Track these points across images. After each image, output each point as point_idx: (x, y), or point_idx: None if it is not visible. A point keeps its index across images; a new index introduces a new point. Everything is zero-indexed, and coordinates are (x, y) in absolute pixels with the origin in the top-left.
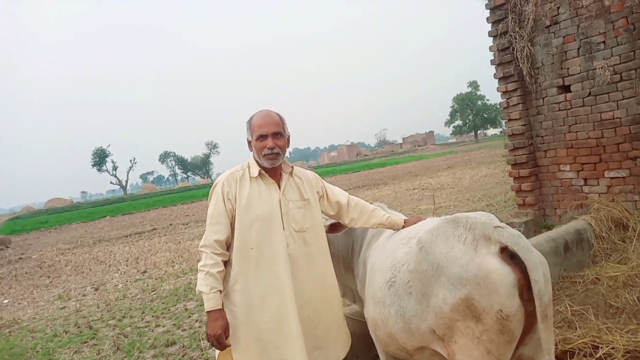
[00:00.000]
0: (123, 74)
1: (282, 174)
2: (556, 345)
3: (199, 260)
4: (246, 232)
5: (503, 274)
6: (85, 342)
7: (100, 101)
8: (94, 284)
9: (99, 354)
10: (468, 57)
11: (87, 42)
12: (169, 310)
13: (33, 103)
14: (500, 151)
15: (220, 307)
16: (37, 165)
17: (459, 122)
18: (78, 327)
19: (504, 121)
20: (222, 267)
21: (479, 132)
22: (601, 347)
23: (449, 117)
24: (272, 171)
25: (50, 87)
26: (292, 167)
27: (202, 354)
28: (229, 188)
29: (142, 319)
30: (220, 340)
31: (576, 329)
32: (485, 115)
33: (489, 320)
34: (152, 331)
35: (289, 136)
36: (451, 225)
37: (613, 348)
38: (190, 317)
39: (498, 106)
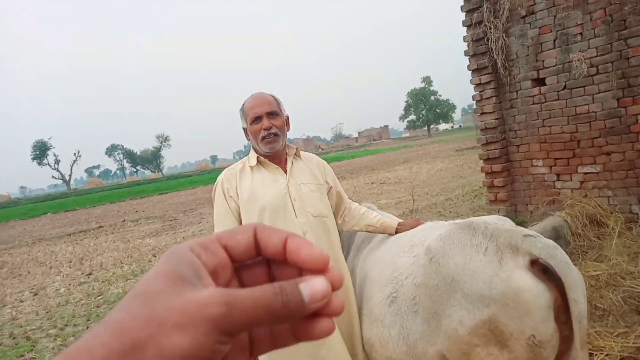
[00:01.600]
0: (67, 64)
1: (287, 157)
2: None
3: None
4: None
5: (537, 292)
6: (22, 356)
7: (41, 91)
8: (32, 288)
9: None
10: (422, 52)
11: (28, 30)
12: None
13: None
14: (452, 145)
15: None
16: None
17: (412, 117)
18: (13, 338)
19: (477, 114)
20: None
21: (431, 126)
22: (595, 355)
23: (403, 112)
24: (275, 157)
25: None
26: (297, 148)
27: None
28: (228, 185)
29: (87, 328)
30: None
31: None
32: (438, 111)
33: (518, 347)
34: None
35: (287, 117)
36: (466, 232)
37: (607, 355)
38: None
39: (449, 102)
